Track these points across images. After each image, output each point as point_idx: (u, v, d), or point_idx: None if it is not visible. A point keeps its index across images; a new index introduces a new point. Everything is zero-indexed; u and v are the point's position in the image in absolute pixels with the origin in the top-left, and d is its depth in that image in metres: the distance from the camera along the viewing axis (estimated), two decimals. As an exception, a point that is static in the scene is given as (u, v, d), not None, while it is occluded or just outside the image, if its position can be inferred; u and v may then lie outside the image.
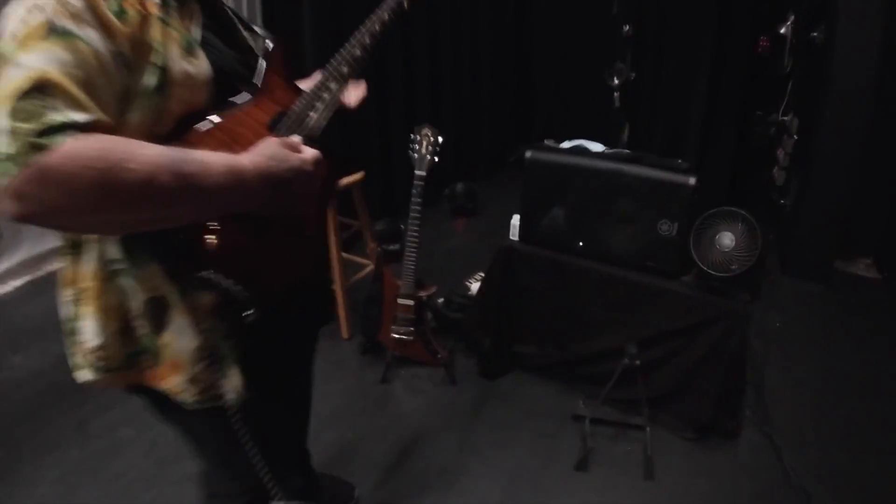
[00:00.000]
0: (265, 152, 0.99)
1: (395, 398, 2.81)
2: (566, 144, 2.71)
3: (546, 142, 2.72)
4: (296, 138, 1.08)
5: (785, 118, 4.20)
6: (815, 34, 3.67)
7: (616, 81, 4.67)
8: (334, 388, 2.87)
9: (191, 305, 1.08)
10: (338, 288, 3.06)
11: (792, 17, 4.06)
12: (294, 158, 1.03)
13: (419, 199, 2.63)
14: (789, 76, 4.18)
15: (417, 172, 2.63)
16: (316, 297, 1.53)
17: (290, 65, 1.20)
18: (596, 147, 2.66)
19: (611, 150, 2.60)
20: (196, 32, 1.04)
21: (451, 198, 4.61)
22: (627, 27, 4.64)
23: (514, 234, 2.74)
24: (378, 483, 2.36)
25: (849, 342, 3.22)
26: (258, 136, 1.03)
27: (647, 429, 2.46)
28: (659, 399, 2.55)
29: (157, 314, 1.07)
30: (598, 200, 2.53)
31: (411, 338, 2.82)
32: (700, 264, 2.35)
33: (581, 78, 5.37)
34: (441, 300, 3.17)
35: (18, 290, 3.56)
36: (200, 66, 1.00)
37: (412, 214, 2.65)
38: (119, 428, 2.56)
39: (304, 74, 1.34)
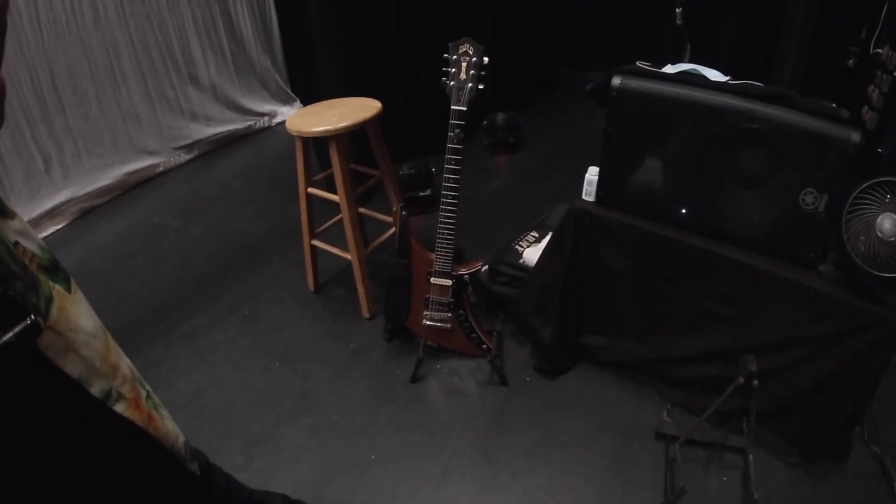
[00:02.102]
0: None
1: (429, 404, 2.18)
2: (670, 68, 1.94)
3: (640, 63, 1.94)
4: None
5: (879, 50, 3.45)
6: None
7: None
8: (352, 389, 2.25)
9: None
10: (353, 253, 2.39)
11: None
12: None
13: (458, 147, 1.91)
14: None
15: (455, 108, 1.90)
16: None
17: None
18: (714, 74, 1.89)
19: (738, 81, 1.83)
20: None
21: (490, 131, 3.86)
22: None
23: (588, 193, 2.01)
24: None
25: None
26: None
27: (750, 456, 1.85)
28: (764, 414, 1.90)
29: None
30: (714, 152, 1.78)
31: (448, 325, 2.16)
32: (852, 254, 1.63)
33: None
34: (485, 268, 2.46)
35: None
36: None
37: (449, 167, 1.94)
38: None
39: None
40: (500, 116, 3.84)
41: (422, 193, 3.18)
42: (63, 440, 0.76)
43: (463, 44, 1.90)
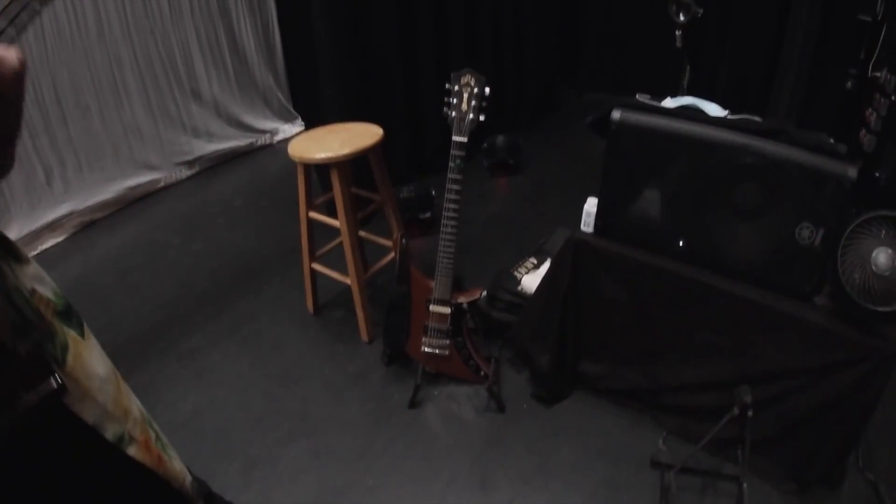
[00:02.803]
0: None
1: (427, 429, 2.19)
2: (669, 102, 1.97)
3: (639, 97, 1.97)
4: None
5: (877, 74, 3.47)
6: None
7: (682, 18, 4.04)
8: (351, 412, 2.27)
9: None
10: (353, 277, 2.41)
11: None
12: None
13: (458, 177, 1.93)
14: (881, 23, 3.40)
15: (456, 139, 1.92)
16: None
17: None
18: (713, 109, 1.92)
19: (737, 116, 1.86)
20: None
21: (491, 153, 3.87)
22: None
23: (587, 224, 2.03)
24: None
25: None
26: None
27: (745, 485, 1.85)
28: (759, 443, 1.91)
29: None
30: (712, 185, 1.81)
31: (447, 352, 2.18)
32: (847, 288, 1.65)
33: (634, 11, 4.84)
34: (483, 293, 2.47)
35: None
36: None
37: (449, 196, 1.96)
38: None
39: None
40: (500, 139, 3.85)
41: (422, 216, 3.20)
42: (78, 484, 0.78)
43: (465, 74, 1.93)
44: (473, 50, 4.00)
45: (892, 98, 3.24)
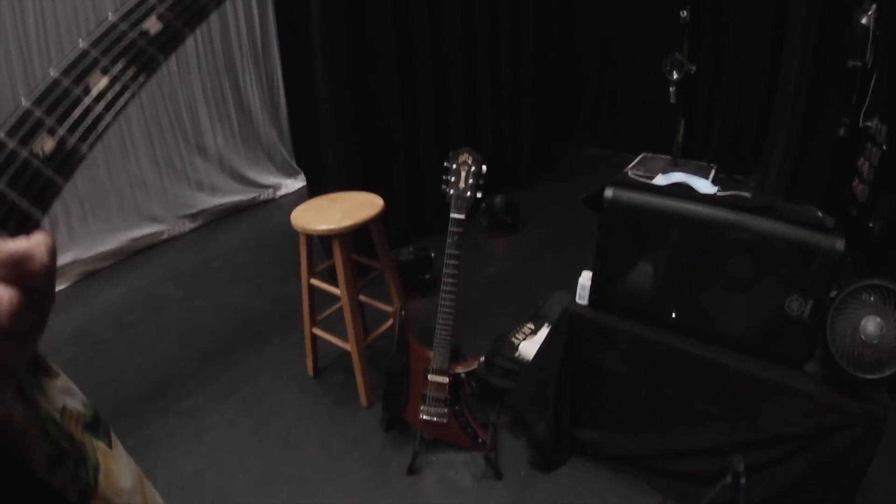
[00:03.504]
0: None
1: (425, 496, 2.21)
2: (661, 179, 2.04)
3: (630, 172, 2.05)
4: None
5: (868, 123, 3.54)
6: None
7: (675, 76, 4.18)
8: (350, 477, 2.29)
9: None
10: (352, 344, 2.45)
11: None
12: None
13: (456, 252, 1.99)
14: (871, 72, 3.49)
15: (454, 216, 1.98)
16: None
17: None
18: (702, 185, 1.99)
19: (725, 193, 1.93)
20: None
21: (489, 212, 3.94)
22: (685, 13, 4.14)
23: (582, 296, 2.09)
24: None
25: None
26: None
27: None
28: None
29: None
30: (703, 260, 1.88)
31: (445, 420, 2.21)
32: (836, 357, 1.69)
33: (629, 67, 4.99)
34: (481, 359, 2.52)
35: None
36: None
37: (447, 271, 2.01)
38: None
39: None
40: (498, 199, 3.90)
41: (421, 277, 3.25)
42: None
43: (462, 153, 2.00)
44: (473, 111, 4.10)
45: (884, 147, 3.30)
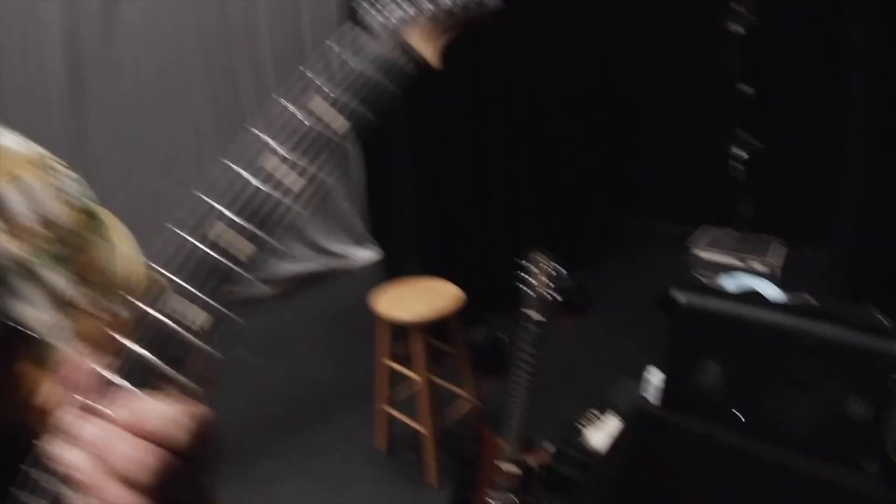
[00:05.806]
0: None
1: (489, 584, 2.24)
2: (728, 282, 2.10)
3: (700, 276, 2.11)
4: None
5: None
6: None
7: (744, 154, 4.19)
8: (416, 560, 2.35)
9: None
10: (426, 426, 2.54)
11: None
12: None
13: (532, 351, 2.08)
14: None
15: (535, 317, 2.08)
16: None
17: None
18: (769, 290, 2.05)
19: (791, 300, 1.98)
20: None
21: (559, 294, 3.97)
22: (751, 88, 4.18)
23: (651, 393, 2.14)
24: None
25: None
26: None
27: None
28: None
29: None
30: (770, 363, 1.94)
31: (513, 508, 2.26)
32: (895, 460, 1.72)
33: (692, 146, 4.95)
34: (552, 450, 2.57)
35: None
36: None
37: (524, 368, 2.10)
38: None
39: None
40: (567, 279, 3.95)
41: (493, 362, 3.32)
42: None
43: (537, 254, 2.11)
44: (541, 187, 4.23)
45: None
